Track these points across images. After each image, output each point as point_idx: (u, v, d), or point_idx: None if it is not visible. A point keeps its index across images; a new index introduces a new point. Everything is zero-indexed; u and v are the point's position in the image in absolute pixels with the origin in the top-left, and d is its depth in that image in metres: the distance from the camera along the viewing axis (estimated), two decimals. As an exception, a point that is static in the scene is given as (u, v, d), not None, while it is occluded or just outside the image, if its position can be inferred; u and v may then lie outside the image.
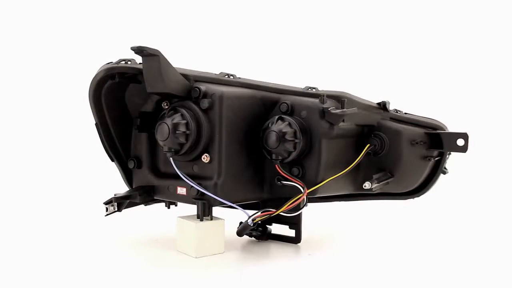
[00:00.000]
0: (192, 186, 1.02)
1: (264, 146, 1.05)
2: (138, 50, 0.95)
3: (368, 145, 1.13)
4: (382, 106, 1.16)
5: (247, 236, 1.18)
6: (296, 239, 1.16)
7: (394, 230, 1.35)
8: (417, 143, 1.13)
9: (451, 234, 1.32)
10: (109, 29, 1.81)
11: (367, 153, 1.13)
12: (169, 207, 1.14)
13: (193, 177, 1.04)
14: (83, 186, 1.62)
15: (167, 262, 1.03)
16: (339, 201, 1.25)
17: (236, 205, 1.03)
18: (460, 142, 1.13)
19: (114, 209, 1.06)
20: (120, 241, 1.16)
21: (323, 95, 1.06)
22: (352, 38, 2.04)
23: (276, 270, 1.00)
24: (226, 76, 1.09)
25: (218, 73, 1.09)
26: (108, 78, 1.03)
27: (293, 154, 1.05)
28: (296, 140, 1.04)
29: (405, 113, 1.18)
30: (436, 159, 1.16)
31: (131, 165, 1.10)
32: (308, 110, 1.06)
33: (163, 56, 0.98)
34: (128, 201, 1.08)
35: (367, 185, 1.07)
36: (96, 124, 1.07)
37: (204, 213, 1.05)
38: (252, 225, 1.05)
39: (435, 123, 1.17)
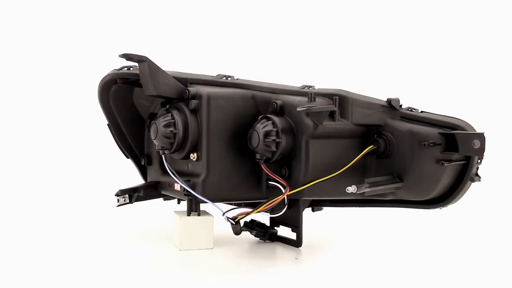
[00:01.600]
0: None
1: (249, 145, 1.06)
2: (126, 57, 1.05)
3: (371, 146, 1.05)
4: (388, 103, 1.06)
5: (253, 236, 1.18)
6: (297, 243, 1.12)
7: (401, 238, 1.25)
8: (425, 144, 1.00)
9: (460, 245, 1.20)
10: (117, 34, 1.88)
11: (369, 155, 1.05)
12: (179, 203, 1.21)
13: (187, 174, 1.09)
14: (103, 181, 1.66)
15: (152, 251, 1.10)
16: (354, 206, 1.17)
17: (218, 203, 1.06)
18: (476, 144, 0.97)
19: (125, 200, 1.17)
20: (122, 233, 1.25)
21: (311, 93, 1.02)
22: (369, 34, 1.89)
23: (254, 269, 1.00)
24: (224, 77, 1.12)
25: (216, 74, 1.13)
26: (112, 83, 1.14)
27: (277, 154, 1.03)
28: (278, 140, 1.02)
29: (421, 112, 1.06)
30: (457, 163, 1.01)
31: (142, 162, 1.20)
32: (294, 108, 1.03)
33: (151, 61, 1.05)
34: (136, 194, 1.18)
35: (350, 189, 0.98)
36: (108, 125, 1.19)
37: (191, 209, 1.10)
38: (234, 223, 1.06)
39: (454, 122, 1.02)
